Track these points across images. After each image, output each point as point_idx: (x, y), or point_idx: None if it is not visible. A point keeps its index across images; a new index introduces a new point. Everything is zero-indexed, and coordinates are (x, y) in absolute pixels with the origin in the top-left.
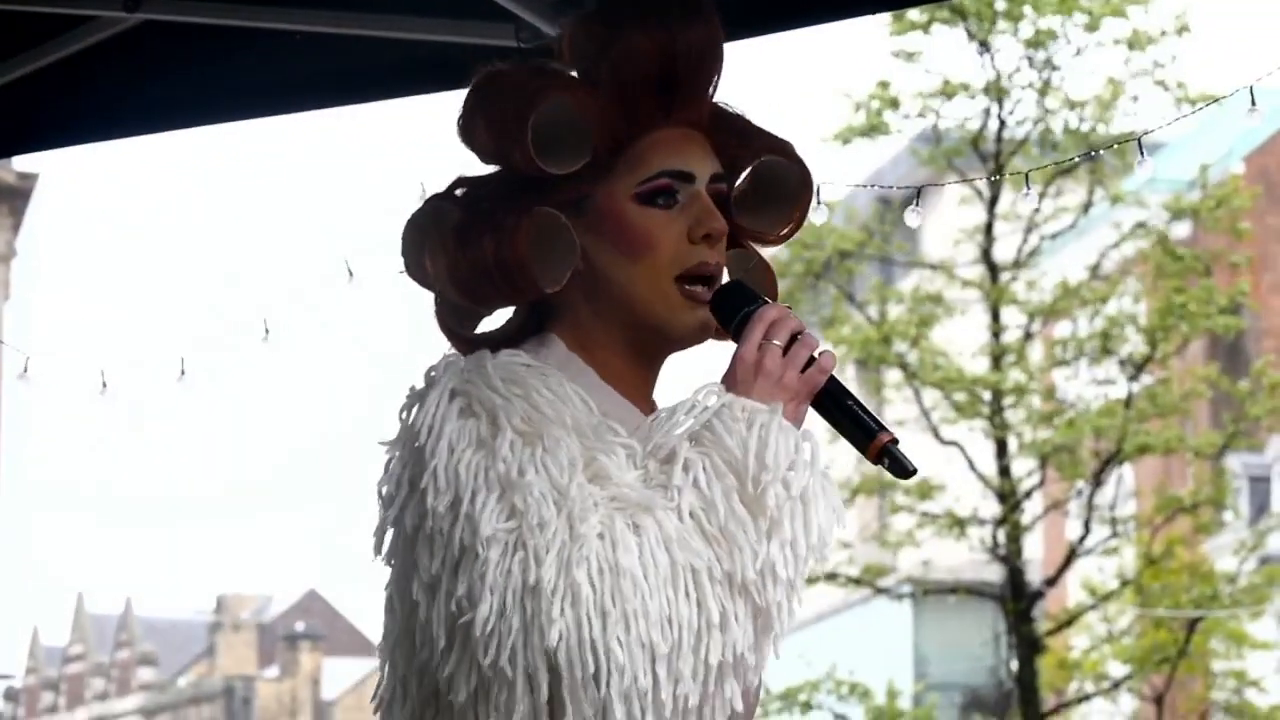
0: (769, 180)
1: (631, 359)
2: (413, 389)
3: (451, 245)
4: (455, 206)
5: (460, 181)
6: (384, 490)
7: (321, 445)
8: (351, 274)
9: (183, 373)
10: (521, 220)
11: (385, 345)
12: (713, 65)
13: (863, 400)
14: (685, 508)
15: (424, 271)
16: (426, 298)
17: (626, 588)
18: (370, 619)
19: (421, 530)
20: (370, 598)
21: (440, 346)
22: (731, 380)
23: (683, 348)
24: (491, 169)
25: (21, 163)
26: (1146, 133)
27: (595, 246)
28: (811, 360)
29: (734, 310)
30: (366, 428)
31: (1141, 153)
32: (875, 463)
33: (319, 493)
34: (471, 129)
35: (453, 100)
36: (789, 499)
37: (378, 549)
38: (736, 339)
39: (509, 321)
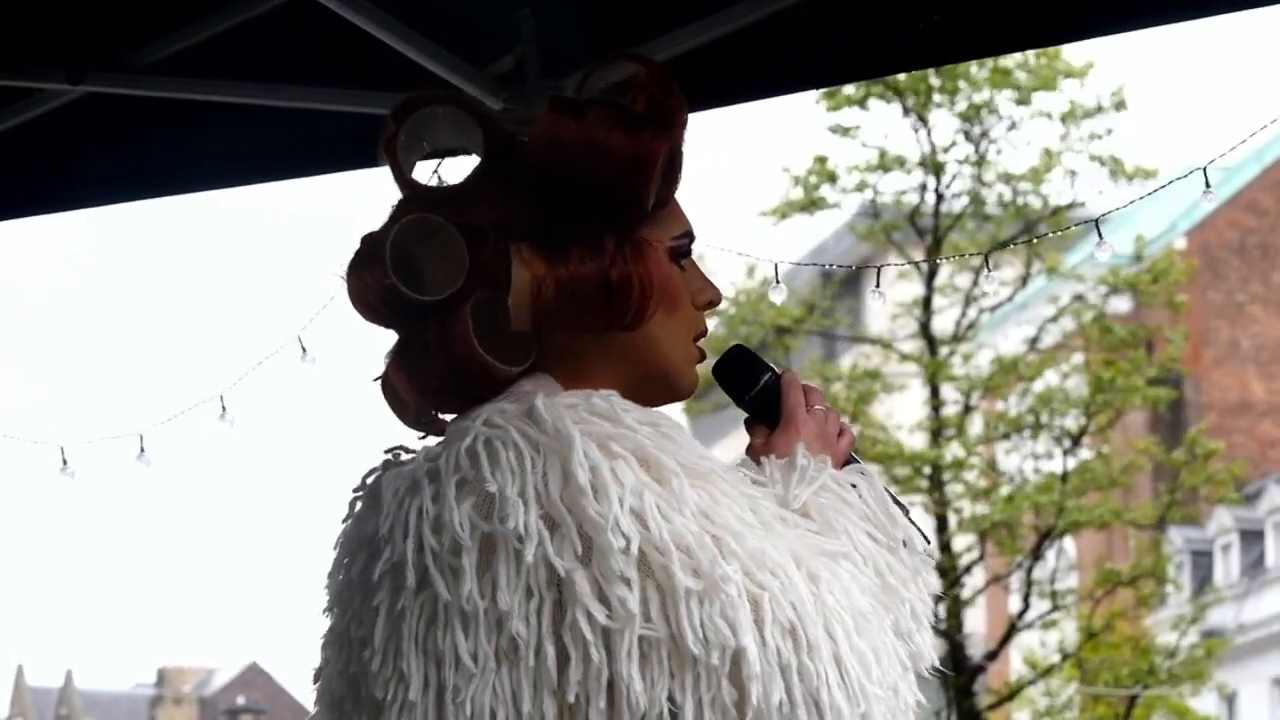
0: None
1: None
2: (489, 421)
3: (537, 261)
4: (447, 221)
5: (422, 196)
6: (489, 526)
7: (266, 516)
8: (305, 350)
9: (142, 450)
10: (643, 248)
11: (337, 417)
12: None
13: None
14: (857, 558)
15: (421, 287)
16: (378, 367)
17: (865, 628)
18: (313, 693)
19: (584, 573)
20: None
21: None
22: (793, 440)
23: (673, 401)
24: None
25: None
26: (1105, 215)
27: None
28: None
29: (749, 377)
30: (313, 500)
31: (1100, 235)
32: None
33: (262, 564)
34: (552, 155)
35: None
36: (915, 553)
37: (423, 589)
38: (753, 406)
39: (521, 357)
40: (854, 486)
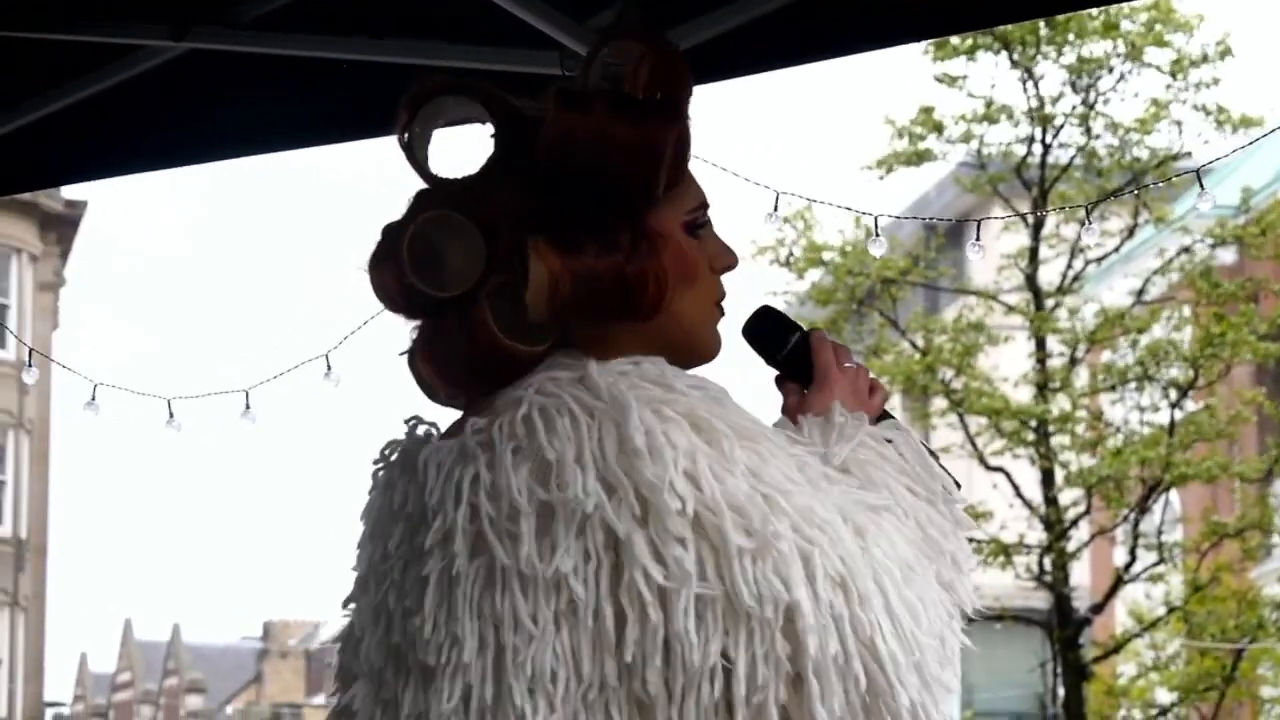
0: None
1: None
2: (543, 390)
3: (552, 255)
4: (463, 218)
5: (436, 194)
6: (557, 493)
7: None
8: None
9: (247, 407)
10: (655, 240)
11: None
12: None
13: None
14: (898, 512)
15: (440, 284)
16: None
17: (914, 578)
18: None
19: (641, 534)
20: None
21: None
22: (829, 398)
23: (696, 367)
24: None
25: (69, 191)
26: (1208, 165)
27: None
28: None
29: (778, 337)
30: None
31: (1201, 185)
32: None
33: None
34: (561, 148)
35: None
36: (952, 503)
37: (482, 551)
38: (785, 364)
39: (539, 342)
40: (890, 441)
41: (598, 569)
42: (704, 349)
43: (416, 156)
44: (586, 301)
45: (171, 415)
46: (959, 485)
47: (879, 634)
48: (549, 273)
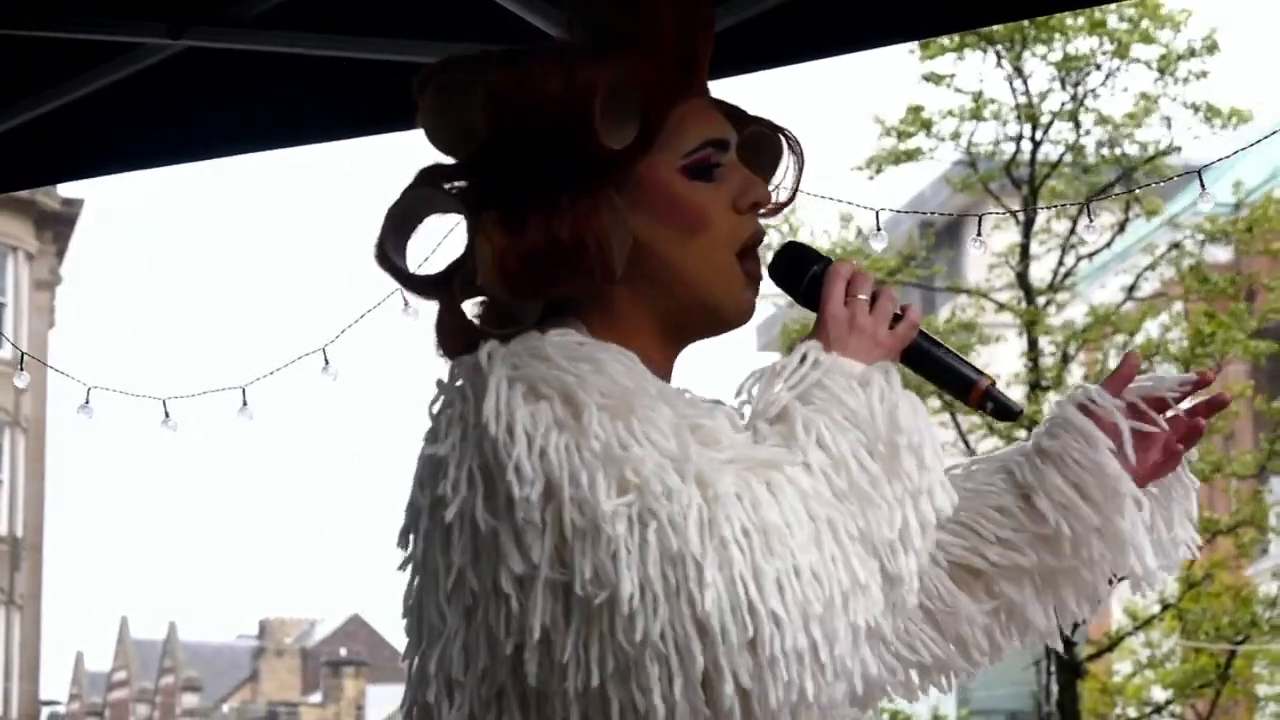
0: (757, 150)
1: (662, 346)
2: (447, 382)
3: (498, 233)
4: (445, 195)
5: (434, 171)
6: (436, 491)
7: (368, 470)
8: (407, 303)
9: (245, 404)
10: (597, 201)
11: (436, 370)
12: (712, 36)
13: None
14: (814, 464)
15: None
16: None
17: (776, 545)
18: None
19: (507, 523)
20: None
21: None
22: (825, 339)
23: (726, 330)
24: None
25: (66, 189)
26: (1208, 165)
27: (643, 225)
28: (898, 315)
29: (799, 272)
30: (416, 451)
31: (1202, 185)
32: (978, 409)
33: (365, 515)
34: (502, 114)
35: None
36: (923, 468)
37: (414, 556)
38: (806, 301)
39: (523, 317)
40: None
41: (480, 561)
42: (721, 302)
43: (431, 134)
44: (539, 275)
45: (167, 415)
46: (1020, 411)
47: (717, 610)
48: (494, 252)
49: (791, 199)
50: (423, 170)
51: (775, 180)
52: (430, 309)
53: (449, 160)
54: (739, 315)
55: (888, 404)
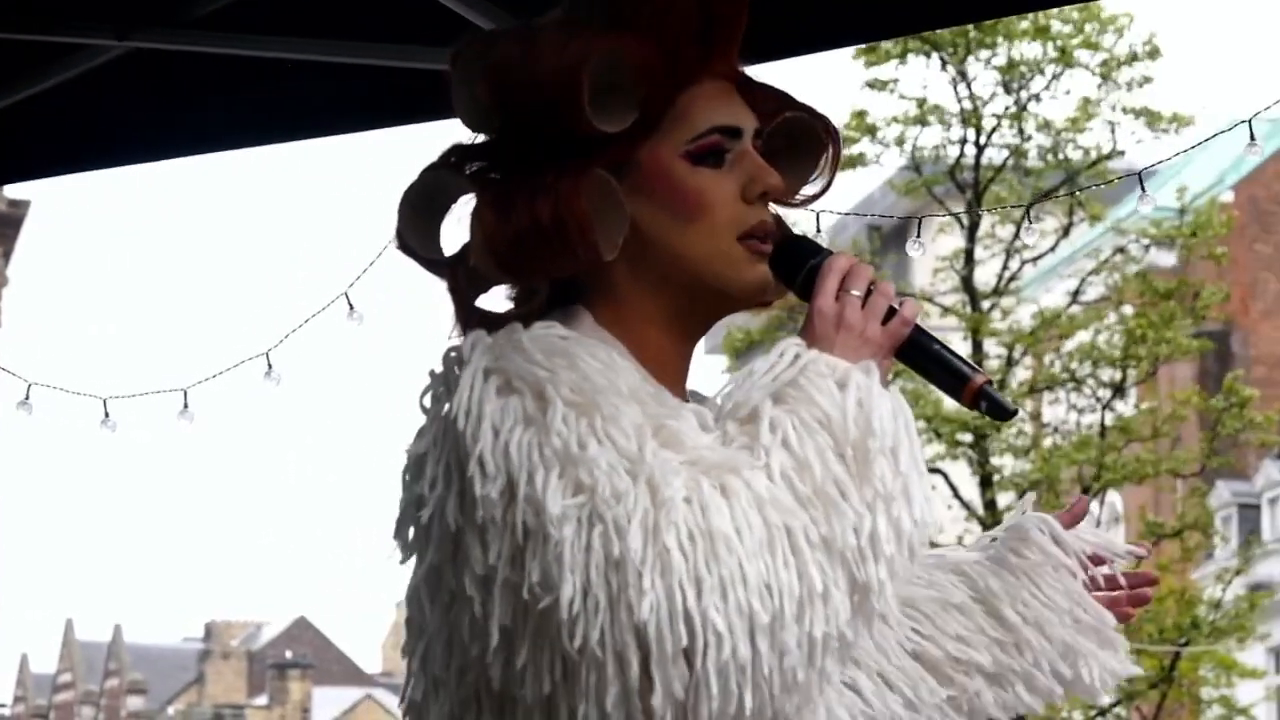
0: (794, 137)
1: (672, 331)
2: (435, 373)
3: (488, 214)
4: (459, 176)
5: (457, 151)
6: (418, 488)
7: (314, 473)
8: (352, 307)
9: (185, 407)
10: (578, 181)
11: (380, 374)
12: (744, 13)
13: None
14: (775, 467)
15: (431, 246)
16: (429, 322)
17: (721, 552)
18: (360, 647)
19: (471, 521)
20: (361, 625)
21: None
22: (811, 335)
23: (741, 308)
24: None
25: (13, 190)
26: (1150, 168)
27: (642, 209)
28: (892, 311)
29: (798, 264)
30: (360, 455)
31: (1143, 188)
32: (972, 407)
33: (309, 518)
34: (502, 91)
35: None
36: (897, 474)
37: (406, 550)
38: (803, 295)
39: (529, 300)
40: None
41: (456, 559)
42: (727, 285)
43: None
44: (528, 257)
45: (107, 415)
46: (1015, 411)
47: (655, 617)
48: (484, 236)
49: (825, 190)
50: (446, 150)
51: (814, 172)
52: (381, 309)
53: (479, 139)
54: (747, 291)
55: (865, 405)
